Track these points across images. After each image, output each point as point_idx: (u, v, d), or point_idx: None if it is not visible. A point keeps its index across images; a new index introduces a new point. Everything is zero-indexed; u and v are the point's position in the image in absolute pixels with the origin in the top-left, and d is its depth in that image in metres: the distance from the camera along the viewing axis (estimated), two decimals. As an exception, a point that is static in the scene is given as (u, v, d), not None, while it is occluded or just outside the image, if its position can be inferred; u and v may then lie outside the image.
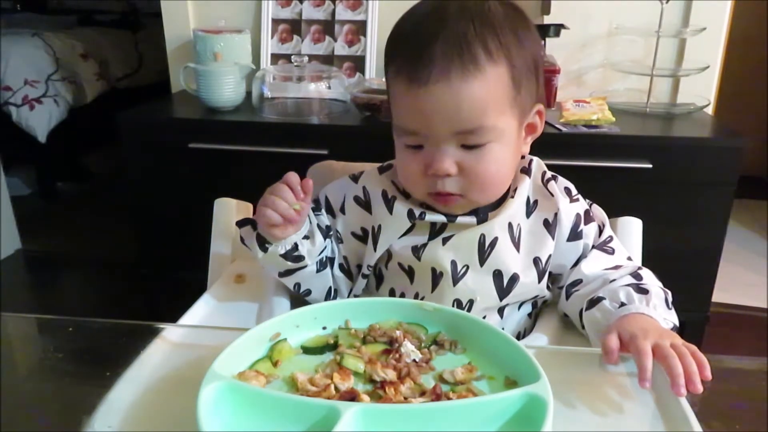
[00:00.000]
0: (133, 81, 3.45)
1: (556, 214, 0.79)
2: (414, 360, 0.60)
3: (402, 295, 0.82)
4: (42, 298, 2.30)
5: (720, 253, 1.61)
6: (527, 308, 0.84)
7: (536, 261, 0.80)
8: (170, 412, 0.56)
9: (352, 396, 0.54)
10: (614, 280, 0.76)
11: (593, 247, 0.81)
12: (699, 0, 1.78)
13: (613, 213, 0.88)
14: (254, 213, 0.78)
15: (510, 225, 0.78)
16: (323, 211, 0.86)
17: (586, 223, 0.81)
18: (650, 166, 1.53)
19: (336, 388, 0.56)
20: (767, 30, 3.02)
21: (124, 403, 0.57)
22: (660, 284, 0.76)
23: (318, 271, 0.82)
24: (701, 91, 1.80)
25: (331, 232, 0.85)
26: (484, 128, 0.71)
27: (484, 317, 0.79)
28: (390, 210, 0.80)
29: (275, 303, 0.84)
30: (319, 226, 0.82)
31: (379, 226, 0.81)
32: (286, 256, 0.78)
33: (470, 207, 0.78)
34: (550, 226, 0.80)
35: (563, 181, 0.83)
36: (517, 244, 0.79)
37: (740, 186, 1.54)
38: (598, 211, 0.84)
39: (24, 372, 0.69)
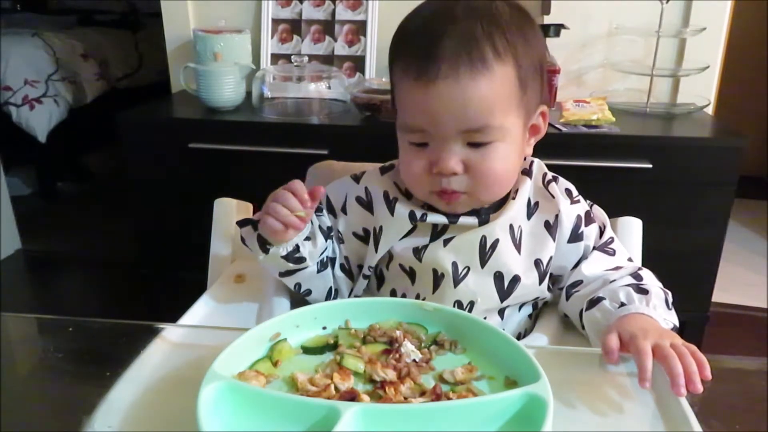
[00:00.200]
0: (133, 81, 3.45)
1: (556, 216, 0.79)
2: (414, 360, 0.60)
3: (403, 296, 0.82)
4: (42, 298, 2.30)
5: (720, 253, 1.61)
6: (528, 309, 0.84)
7: (537, 263, 0.80)
8: (170, 412, 0.56)
9: (352, 396, 0.54)
10: (614, 280, 0.76)
11: (594, 248, 0.81)
12: (699, 0, 1.78)
13: (613, 213, 0.88)
14: (254, 213, 0.79)
15: (511, 227, 0.78)
16: (324, 211, 0.86)
17: (586, 225, 0.81)
18: (650, 166, 1.53)
19: (336, 388, 0.56)
20: (767, 30, 3.02)
21: (124, 403, 0.57)
22: (660, 285, 0.76)
23: (319, 271, 0.82)
24: (701, 91, 1.80)
25: (332, 233, 0.85)
26: (491, 127, 0.71)
27: (484, 318, 0.79)
28: (391, 211, 0.79)
29: (275, 303, 0.84)
30: (320, 226, 0.82)
31: (381, 227, 0.81)
32: (287, 257, 0.78)
33: (473, 206, 0.77)
34: (551, 227, 0.80)
35: (564, 183, 0.83)
36: (518, 246, 0.79)
37: (740, 186, 1.54)
38: (598, 212, 0.85)
39: (24, 372, 0.69)
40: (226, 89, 1.73)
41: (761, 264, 2.45)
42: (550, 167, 0.84)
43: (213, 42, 1.76)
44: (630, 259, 0.83)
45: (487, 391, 0.57)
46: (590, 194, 0.85)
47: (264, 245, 0.78)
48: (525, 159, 0.81)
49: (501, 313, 0.81)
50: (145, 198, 1.78)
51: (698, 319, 1.66)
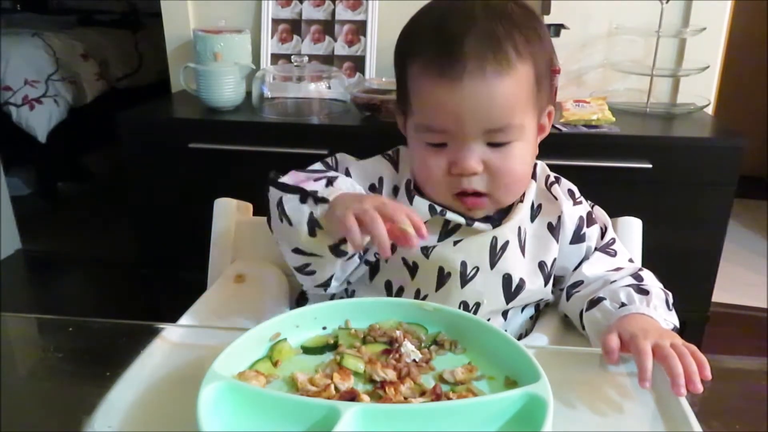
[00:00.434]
0: (133, 81, 3.45)
1: (559, 218, 0.79)
2: (414, 360, 0.60)
3: (400, 289, 0.81)
4: (42, 298, 2.30)
5: (720, 253, 1.61)
6: (530, 311, 0.84)
7: (542, 265, 0.79)
8: (170, 412, 0.56)
9: (352, 396, 0.54)
10: (615, 281, 0.76)
11: (596, 249, 0.81)
12: (699, 0, 1.78)
13: (613, 213, 0.88)
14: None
15: (519, 229, 0.78)
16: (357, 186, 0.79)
17: (588, 226, 0.81)
18: (650, 166, 1.53)
19: (336, 388, 0.56)
20: (767, 30, 3.01)
21: (124, 403, 0.57)
22: (660, 285, 0.76)
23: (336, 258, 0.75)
24: (701, 91, 1.80)
25: None
26: (512, 126, 0.71)
27: (488, 320, 0.78)
28: (411, 201, 0.78)
29: (275, 303, 0.84)
30: None
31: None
32: (333, 248, 0.71)
33: (493, 209, 0.77)
34: (554, 229, 0.79)
35: (566, 183, 0.83)
36: (522, 249, 0.78)
37: (740, 186, 1.54)
38: (600, 213, 0.85)
39: (24, 372, 0.69)
40: (226, 89, 1.73)
41: (761, 264, 2.45)
42: (550, 167, 0.84)
43: (213, 42, 1.76)
44: (631, 260, 0.83)
45: (487, 391, 0.57)
46: (590, 194, 0.85)
47: (313, 228, 0.68)
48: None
49: (504, 314, 0.81)
50: (145, 198, 1.78)
51: (698, 319, 1.66)
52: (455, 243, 0.77)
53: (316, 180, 0.72)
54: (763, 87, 3.08)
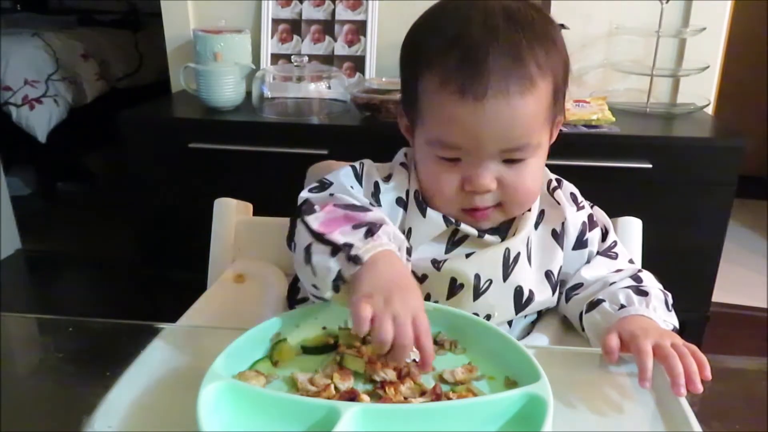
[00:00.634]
0: (133, 81, 3.45)
1: (563, 224, 0.78)
2: (414, 360, 0.60)
3: None
4: (42, 298, 2.30)
5: (720, 253, 1.61)
6: (533, 316, 0.83)
7: (548, 275, 0.78)
8: (170, 412, 0.56)
9: (352, 396, 0.54)
10: (614, 282, 0.76)
11: (597, 253, 0.81)
12: (699, 0, 1.78)
13: (613, 213, 0.88)
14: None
15: (527, 239, 0.77)
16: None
17: (590, 230, 0.80)
18: (650, 166, 1.53)
19: (336, 388, 0.56)
20: (767, 30, 3.01)
21: (124, 403, 0.57)
22: (660, 286, 0.76)
23: None
24: (701, 91, 1.80)
25: None
26: (530, 145, 0.69)
27: None
28: (423, 213, 0.75)
29: (275, 303, 0.84)
30: None
31: (410, 229, 0.76)
32: None
33: (501, 220, 0.76)
34: (558, 236, 0.78)
35: (568, 186, 0.82)
36: (529, 259, 0.77)
37: (740, 186, 1.54)
38: (600, 214, 0.83)
39: (24, 372, 0.69)
40: (226, 89, 1.73)
41: (761, 264, 2.45)
42: (550, 167, 0.84)
43: (213, 42, 1.76)
44: (631, 261, 0.82)
45: (487, 391, 0.57)
46: (590, 194, 0.85)
47: (338, 286, 0.61)
48: None
49: (510, 322, 0.80)
50: (145, 198, 1.78)
51: (698, 319, 1.66)
52: (467, 256, 0.75)
53: (355, 226, 0.63)
54: (763, 87, 3.08)
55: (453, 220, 0.74)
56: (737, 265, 2.36)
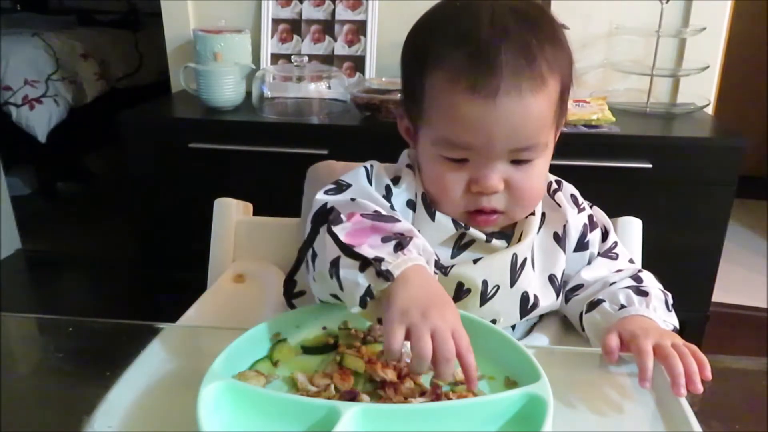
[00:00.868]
0: (133, 81, 3.45)
1: (564, 227, 0.77)
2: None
3: None
4: (42, 298, 2.30)
5: (720, 253, 1.61)
6: (535, 319, 0.83)
7: (552, 279, 0.77)
8: (170, 412, 0.56)
9: (352, 396, 0.54)
10: (614, 282, 0.76)
11: (598, 254, 0.80)
12: (699, 0, 1.78)
13: (613, 213, 0.88)
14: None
15: (532, 243, 0.76)
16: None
17: (591, 231, 0.79)
18: (650, 166, 1.53)
19: (336, 388, 0.56)
20: (767, 30, 3.01)
21: (124, 403, 0.57)
22: (660, 286, 0.76)
23: None
24: (701, 91, 1.80)
25: None
26: (539, 145, 0.68)
27: None
28: (431, 217, 0.74)
29: (275, 303, 0.83)
30: None
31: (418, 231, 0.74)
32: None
33: (504, 224, 0.75)
34: (560, 240, 0.77)
35: (568, 188, 0.81)
36: (533, 263, 0.76)
37: (740, 186, 1.54)
38: (599, 215, 0.83)
39: (24, 372, 0.69)
40: (226, 89, 1.73)
41: (761, 264, 2.45)
42: (550, 167, 0.83)
43: (213, 42, 1.76)
44: (631, 261, 0.82)
45: (487, 391, 0.57)
46: (590, 194, 0.85)
47: (366, 302, 0.58)
48: None
49: (513, 325, 0.80)
50: (145, 198, 1.78)
51: (698, 319, 1.66)
52: (475, 261, 0.74)
53: (384, 239, 0.60)
54: (763, 87, 3.08)
55: (462, 224, 0.73)
56: (737, 265, 2.36)
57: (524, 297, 0.75)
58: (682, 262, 1.57)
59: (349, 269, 0.58)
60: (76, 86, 3.01)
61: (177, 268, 1.75)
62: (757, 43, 3.03)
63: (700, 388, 0.57)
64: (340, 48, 1.94)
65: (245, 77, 1.78)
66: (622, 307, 0.70)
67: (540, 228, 0.77)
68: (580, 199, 0.81)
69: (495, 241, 0.74)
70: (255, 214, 1.06)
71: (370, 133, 1.62)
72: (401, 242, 0.59)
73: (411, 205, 0.75)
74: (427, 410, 0.51)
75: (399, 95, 0.80)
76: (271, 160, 1.64)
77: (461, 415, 0.51)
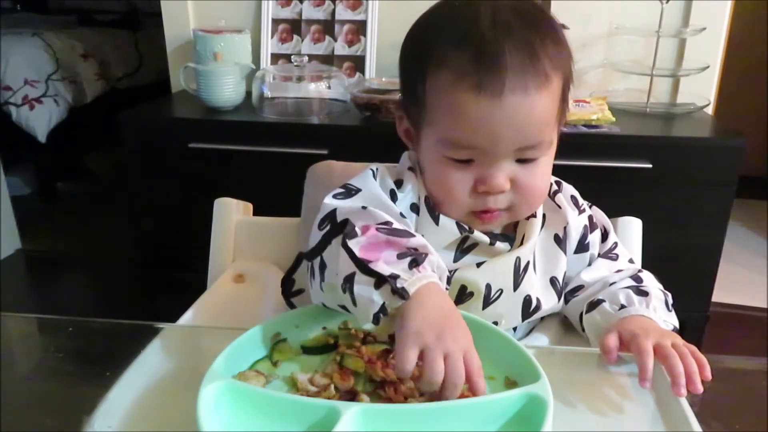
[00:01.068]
0: (133, 81, 3.45)
1: (565, 228, 0.77)
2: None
3: None
4: (42, 298, 2.30)
5: (720, 253, 1.61)
6: (536, 321, 0.83)
7: (553, 281, 0.77)
8: (170, 412, 0.56)
9: (352, 396, 0.55)
10: (614, 282, 0.76)
11: (598, 255, 0.80)
12: (699, 0, 1.78)
13: (613, 213, 0.88)
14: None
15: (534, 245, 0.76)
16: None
17: (591, 232, 0.79)
18: (650, 166, 1.53)
19: (336, 388, 0.56)
20: (767, 30, 3.01)
21: (124, 403, 0.57)
22: (660, 286, 0.76)
23: None
24: (701, 91, 1.81)
25: None
26: (544, 143, 0.68)
27: None
28: (435, 220, 0.73)
29: (275, 303, 0.83)
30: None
31: (422, 236, 0.73)
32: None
33: (507, 222, 0.74)
34: (560, 242, 0.77)
35: (568, 189, 0.81)
36: (534, 265, 0.76)
37: (740, 186, 1.54)
38: (599, 215, 0.83)
39: (24, 372, 0.69)
40: (226, 89, 1.73)
41: (761, 264, 2.45)
42: (550, 167, 0.83)
43: (213, 42, 1.76)
44: (631, 261, 0.82)
45: (487, 391, 0.57)
46: (590, 194, 0.85)
47: (379, 318, 0.57)
48: None
49: (514, 327, 0.80)
50: (145, 198, 1.78)
51: (698, 319, 1.66)
52: (478, 265, 0.73)
53: (399, 255, 0.59)
54: (763, 87, 3.08)
55: (466, 228, 0.73)
56: (737, 265, 2.36)
57: (527, 300, 0.75)
58: (682, 262, 1.57)
59: (364, 286, 0.57)
60: (76, 86, 3.01)
61: (177, 268, 1.75)
62: (757, 43, 3.03)
63: (700, 388, 0.57)
64: (340, 48, 1.94)
65: (245, 77, 1.78)
66: (622, 307, 0.70)
67: (541, 230, 0.77)
68: (580, 200, 0.81)
69: (499, 244, 0.74)
70: (255, 214, 1.06)
71: (370, 133, 1.62)
72: (416, 259, 0.59)
73: (414, 208, 0.75)
74: (427, 410, 0.51)
75: (399, 96, 0.80)
76: (271, 160, 1.64)
77: (461, 415, 0.51)
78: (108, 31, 3.46)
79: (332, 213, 0.67)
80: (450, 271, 0.72)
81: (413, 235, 0.63)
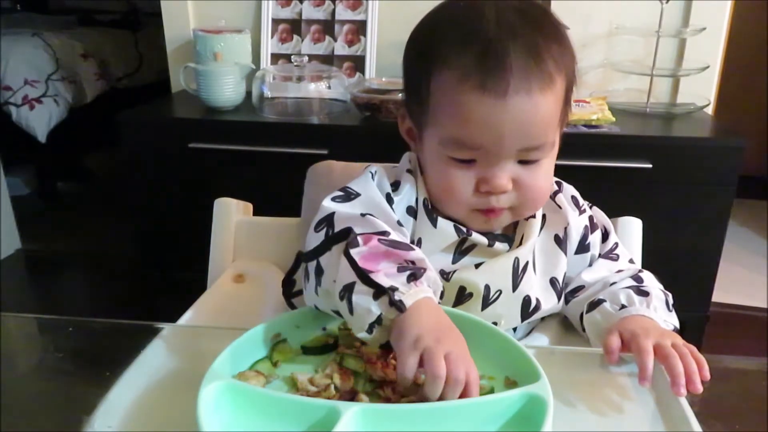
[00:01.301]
0: (133, 81, 3.45)
1: (565, 229, 0.77)
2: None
3: None
4: (42, 298, 2.30)
5: (720, 253, 1.61)
6: (536, 322, 0.83)
7: (553, 282, 0.77)
8: (170, 412, 0.56)
9: (352, 396, 0.55)
10: (614, 282, 0.76)
11: (599, 255, 0.80)
12: (699, 0, 1.78)
13: (613, 213, 0.88)
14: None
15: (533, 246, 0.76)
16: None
17: (591, 232, 0.79)
18: (650, 166, 1.53)
19: (336, 388, 0.56)
20: (767, 30, 3.01)
21: (124, 403, 0.57)
22: (660, 286, 0.76)
23: None
24: (701, 91, 1.81)
25: None
26: (547, 144, 0.68)
27: None
28: (434, 223, 0.73)
29: (275, 303, 0.83)
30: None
31: (419, 240, 0.74)
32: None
33: (509, 221, 0.74)
34: (561, 242, 0.77)
35: (568, 189, 0.81)
36: (534, 265, 0.76)
37: (740, 186, 1.54)
38: (599, 215, 0.83)
39: (24, 372, 0.69)
40: (226, 89, 1.73)
41: (761, 264, 2.45)
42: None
43: (213, 42, 1.76)
44: (631, 261, 0.82)
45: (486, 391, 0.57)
46: (590, 194, 0.85)
47: (374, 328, 0.58)
48: None
49: (514, 327, 0.80)
50: (145, 198, 1.78)
51: (698, 319, 1.66)
52: (477, 266, 0.74)
53: (399, 268, 0.60)
54: (763, 87, 3.08)
55: (464, 230, 0.73)
56: (737, 265, 2.36)
57: (526, 300, 0.75)
58: (682, 262, 1.57)
59: (362, 295, 0.57)
60: (76, 86, 3.01)
61: (177, 268, 1.75)
62: (757, 43, 3.03)
63: (699, 388, 0.57)
64: (340, 48, 1.94)
65: (245, 77, 1.78)
66: (623, 307, 0.70)
67: (541, 230, 0.77)
68: (581, 201, 0.81)
69: (497, 245, 0.74)
70: (255, 214, 1.06)
71: (370, 133, 1.62)
72: (415, 273, 0.59)
73: (411, 212, 0.75)
74: (427, 410, 0.51)
75: (400, 96, 0.80)
76: (271, 160, 1.64)
77: (461, 415, 0.51)
78: (108, 31, 3.46)
79: (330, 217, 0.67)
80: (448, 273, 0.73)
81: (412, 249, 0.63)
